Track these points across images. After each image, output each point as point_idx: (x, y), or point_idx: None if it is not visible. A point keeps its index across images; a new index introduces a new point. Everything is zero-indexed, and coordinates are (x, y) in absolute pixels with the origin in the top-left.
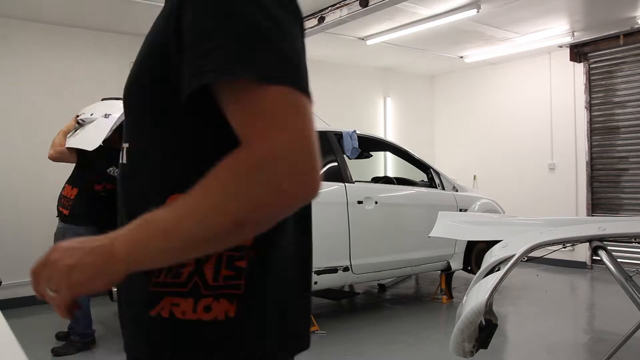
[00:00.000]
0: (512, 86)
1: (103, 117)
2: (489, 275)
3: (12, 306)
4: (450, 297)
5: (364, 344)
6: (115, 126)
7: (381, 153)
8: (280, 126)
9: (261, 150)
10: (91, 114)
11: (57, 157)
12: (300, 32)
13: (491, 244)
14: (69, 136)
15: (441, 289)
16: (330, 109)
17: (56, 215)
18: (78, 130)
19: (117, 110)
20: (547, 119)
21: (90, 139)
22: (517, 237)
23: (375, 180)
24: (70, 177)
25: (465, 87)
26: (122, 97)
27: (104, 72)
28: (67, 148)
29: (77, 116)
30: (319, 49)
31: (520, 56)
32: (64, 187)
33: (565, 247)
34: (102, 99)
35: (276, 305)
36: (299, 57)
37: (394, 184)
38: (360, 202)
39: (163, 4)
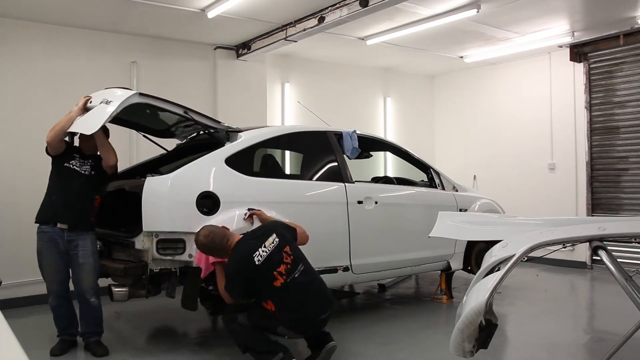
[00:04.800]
0: (512, 86)
1: (104, 103)
2: (489, 275)
3: (12, 306)
4: (450, 297)
5: (364, 344)
6: (115, 113)
7: (381, 153)
8: None
9: None
10: (90, 102)
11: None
12: None
13: (491, 244)
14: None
15: (441, 289)
16: (330, 109)
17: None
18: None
19: (117, 97)
20: (547, 119)
21: (89, 124)
22: (517, 237)
23: (375, 180)
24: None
25: (465, 87)
26: (126, 86)
27: (104, 72)
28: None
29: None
30: (319, 49)
31: (521, 56)
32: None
33: (565, 247)
34: (106, 88)
35: None
36: None
37: (394, 184)
38: (360, 202)
39: (163, 4)
